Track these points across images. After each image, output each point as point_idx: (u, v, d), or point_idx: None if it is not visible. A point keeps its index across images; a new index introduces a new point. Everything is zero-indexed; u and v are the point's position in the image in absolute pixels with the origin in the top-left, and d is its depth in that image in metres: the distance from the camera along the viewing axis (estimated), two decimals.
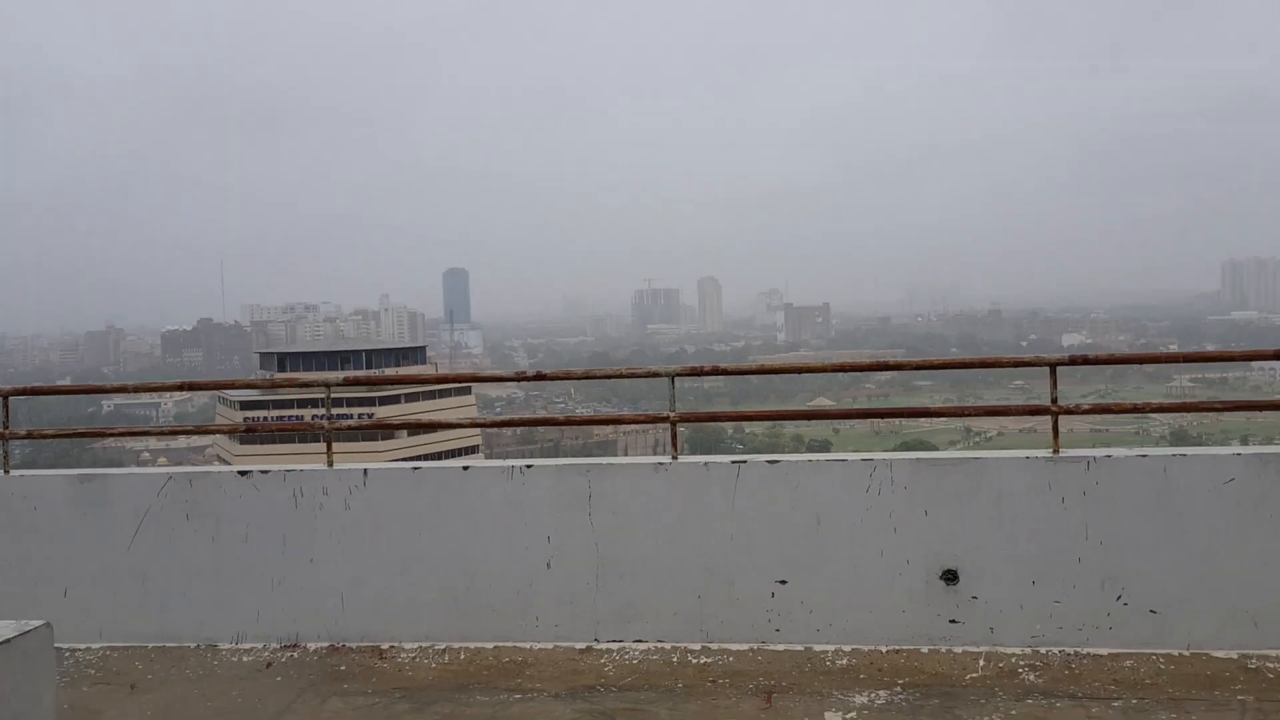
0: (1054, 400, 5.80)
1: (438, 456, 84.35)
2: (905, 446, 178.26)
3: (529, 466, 6.09)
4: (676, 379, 6.11)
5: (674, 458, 6.08)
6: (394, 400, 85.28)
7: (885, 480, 5.79)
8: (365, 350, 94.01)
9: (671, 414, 6.15)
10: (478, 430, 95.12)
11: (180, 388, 6.19)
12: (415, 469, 6.18)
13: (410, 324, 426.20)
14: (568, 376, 6.39)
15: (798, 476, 5.86)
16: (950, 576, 5.75)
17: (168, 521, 6.21)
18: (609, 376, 6.16)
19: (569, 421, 6.39)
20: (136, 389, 6.56)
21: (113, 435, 6.73)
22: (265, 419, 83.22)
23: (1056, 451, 5.78)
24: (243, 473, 6.20)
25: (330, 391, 6.30)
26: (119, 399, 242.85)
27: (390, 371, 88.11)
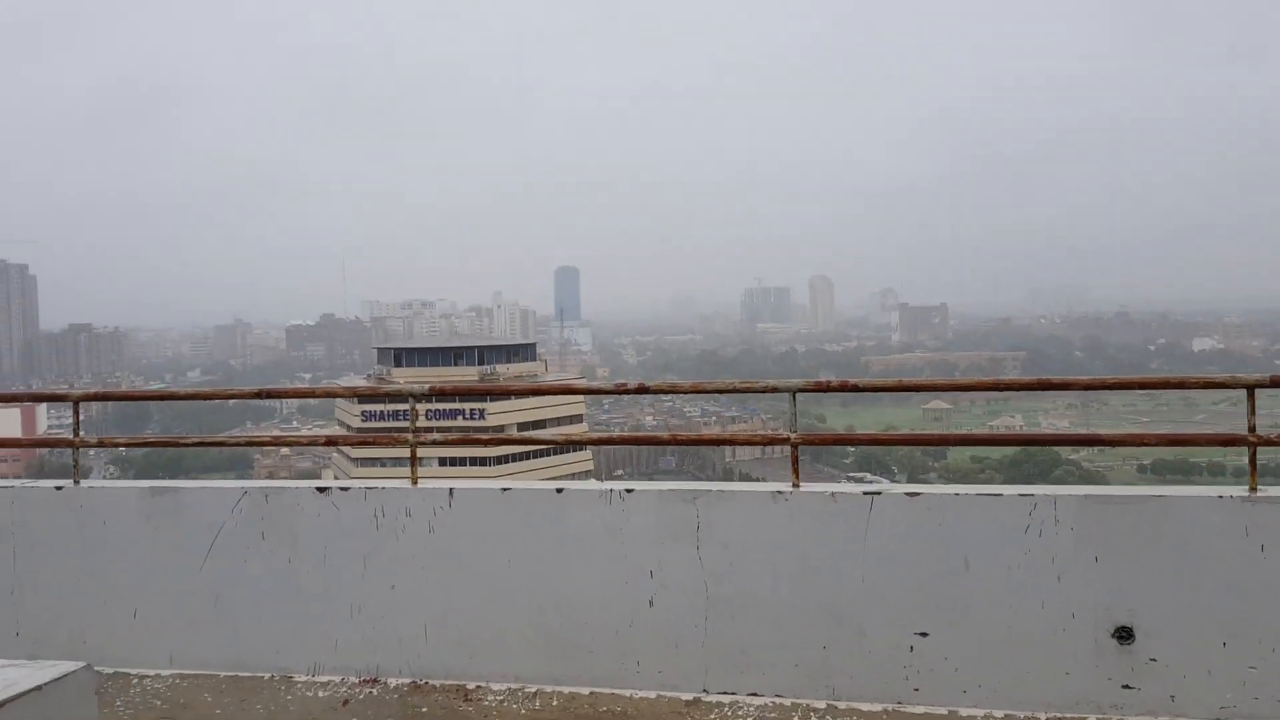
0: (1251, 429, 4.88)
1: (547, 453, 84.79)
2: (1025, 453, 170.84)
3: (630, 491, 5.41)
4: (798, 395, 5.37)
5: (795, 485, 5.39)
6: (504, 396, 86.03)
7: (1048, 519, 4.94)
8: (478, 346, 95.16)
9: (792, 435, 5.47)
10: (585, 425, 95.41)
11: (258, 395, 5.70)
12: (505, 490, 5.57)
13: (522, 321, 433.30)
14: (673, 390, 5.68)
15: (943, 512, 5.07)
16: (1124, 634, 4.88)
17: (242, 540, 5.74)
18: (720, 391, 5.46)
19: (678, 441, 5.67)
20: (209, 395, 6.09)
21: (185, 445, 6.27)
22: (382, 412, 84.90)
23: (1254, 489, 4.85)
24: (321, 489, 5.68)
25: (415, 403, 5.73)
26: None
27: (501, 368, 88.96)
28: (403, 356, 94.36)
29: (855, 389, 5.44)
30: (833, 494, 5.22)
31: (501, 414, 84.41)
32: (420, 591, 5.54)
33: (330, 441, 6.23)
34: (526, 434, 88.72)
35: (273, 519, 5.71)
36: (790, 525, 5.22)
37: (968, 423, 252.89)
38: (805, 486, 5.35)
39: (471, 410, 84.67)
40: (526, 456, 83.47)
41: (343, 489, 5.66)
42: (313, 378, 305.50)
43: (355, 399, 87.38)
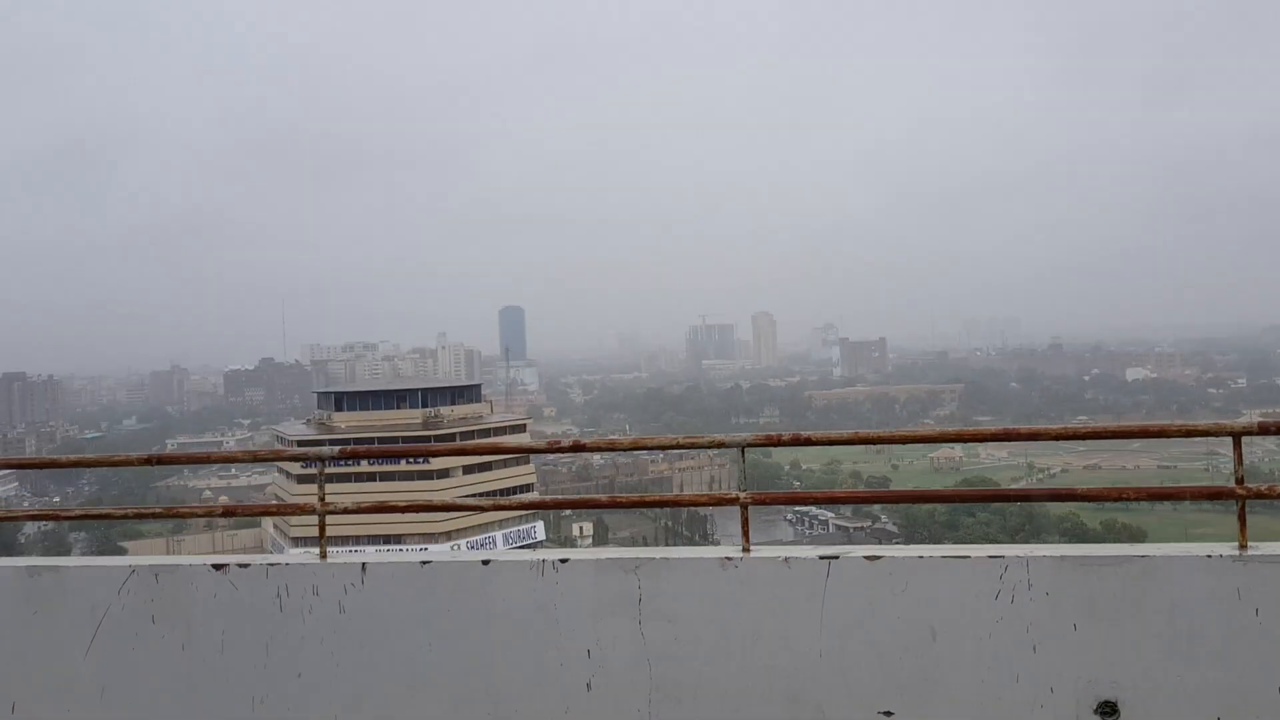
0: (1239, 480, 4.47)
1: (495, 494, 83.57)
2: (966, 483, 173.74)
3: (564, 561, 4.87)
4: (747, 450, 4.90)
5: (745, 550, 4.90)
6: (449, 439, 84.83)
7: (1021, 583, 4.50)
8: (421, 389, 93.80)
9: (742, 494, 5.01)
10: (532, 466, 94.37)
11: (148, 462, 5.09)
12: (424, 563, 4.98)
13: (467, 361, 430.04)
14: (612, 448, 5.16)
15: (905, 576, 4.60)
16: (1108, 709, 4.44)
17: (131, 623, 5.09)
18: (664, 448, 4.99)
19: (618, 504, 5.14)
20: (94, 462, 5.46)
21: (70, 518, 5.57)
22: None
23: (1244, 547, 4.45)
24: (217, 566, 5.06)
25: (323, 467, 5.14)
26: (183, 437, 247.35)
27: (445, 410, 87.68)
28: (344, 400, 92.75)
29: (808, 442, 4.93)
30: (786, 559, 4.75)
31: (446, 457, 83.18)
32: (330, 680, 4.93)
33: (228, 512, 5.58)
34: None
35: (164, 600, 5.08)
36: (741, 595, 4.72)
37: (909, 454, 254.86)
38: (756, 551, 4.88)
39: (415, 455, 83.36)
40: (475, 497, 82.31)
41: (241, 565, 5.05)
42: (251, 423, 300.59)
43: (295, 443, 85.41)
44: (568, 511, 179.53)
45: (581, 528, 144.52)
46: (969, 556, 4.59)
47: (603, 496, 4.93)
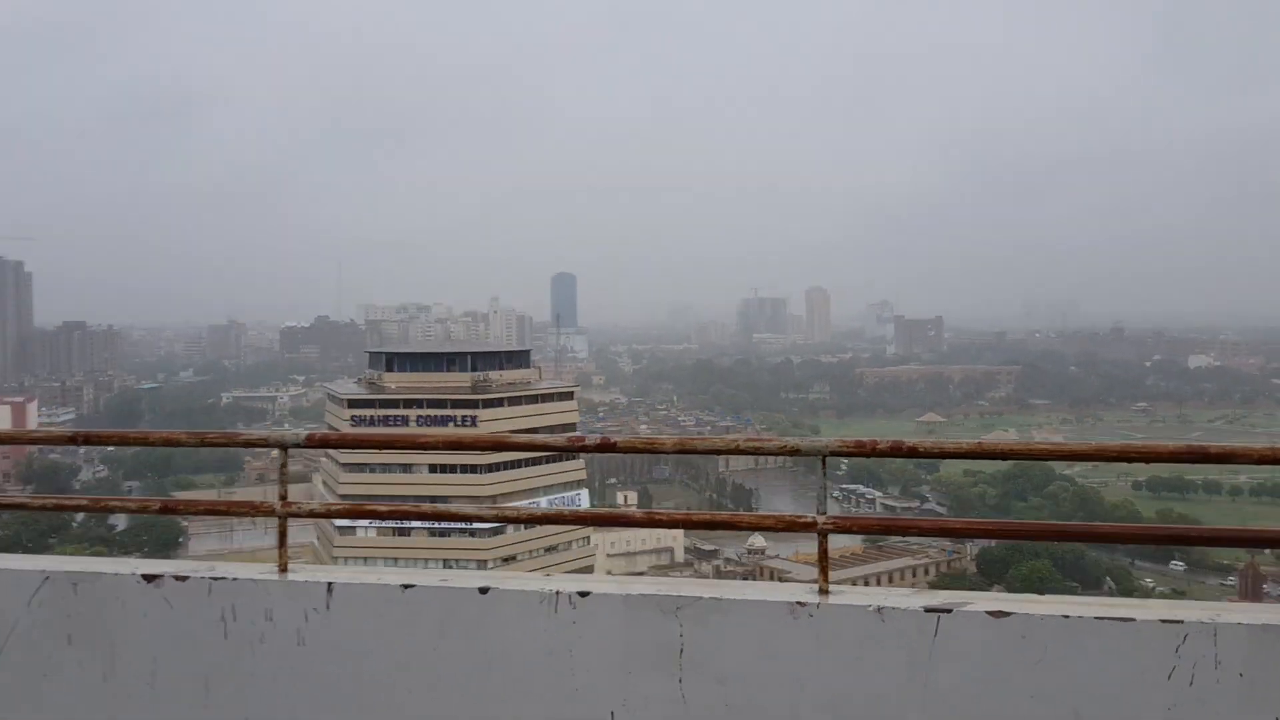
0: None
1: (539, 462, 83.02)
2: (1020, 467, 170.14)
3: (584, 595, 3.79)
4: (829, 459, 3.77)
5: (823, 591, 3.77)
6: (497, 404, 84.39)
7: (1205, 658, 3.33)
8: (470, 352, 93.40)
9: (820, 518, 3.85)
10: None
11: (72, 440, 4.08)
12: (406, 587, 3.90)
13: (518, 327, 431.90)
14: (650, 449, 3.98)
15: (1044, 640, 3.44)
16: None
17: (43, 644, 4.06)
18: (720, 452, 3.85)
19: (656, 523, 3.98)
20: (46, 440, 4.44)
21: (35, 508, 4.49)
22: (372, 417, 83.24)
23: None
24: (149, 577, 4.01)
25: (287, 454, 4.08)
26: (238, 391, 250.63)
27: (494, 375, 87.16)
28: (394, 361, 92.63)
29: (913, 453, 3.77)
30: (879, 608, 3.60)
31: (493, 421, 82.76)
32: None
33: (166, 509, 4.48)
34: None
35: (83, 617, 4.02)
36: (816, 653, 3.63)
37: (961, 434, 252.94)
38: (838, 593, 3.75)
39: (463, 417, 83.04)
40: (519, 464, 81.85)
41: (179, 578, 3.99)
42: (305, 379, 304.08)
43: (346, 404, 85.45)
44: (613, 479, 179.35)
45: (626, 496, 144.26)
46: (1134, 619, 3.44)
47: (638, 513, 3.82)
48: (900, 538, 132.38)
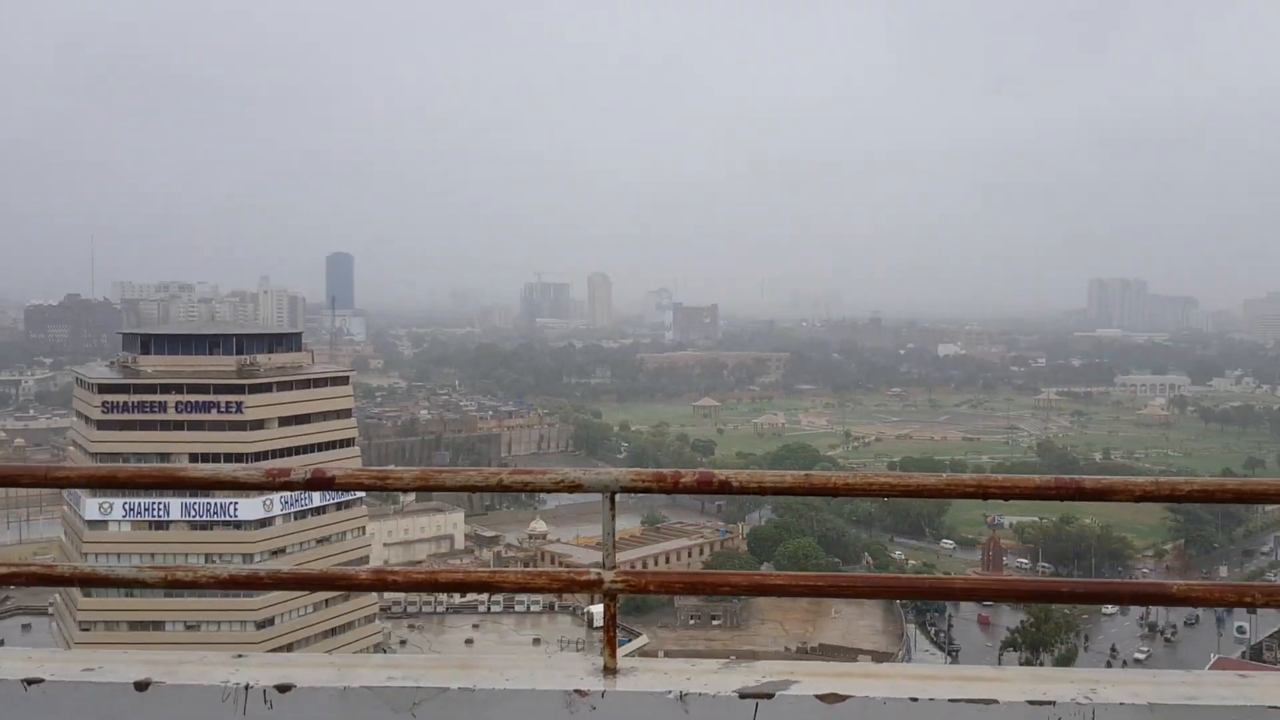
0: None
1: (311, 449, 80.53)
2: (787, 450, 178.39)
3: (284, 690, 2.89)
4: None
5: (609, 671, 2.97)
6: (265, 389, 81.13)
7: None
8: (236, 334, 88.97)
9: (608, 574, 3.04)
10: (354, 420, 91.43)
11: None
12: (30, 682, 2.90)
13: (290, 308, 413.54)
14: (383, 484, 3.16)
15: None
16: None
17: None
18: (466, 488, 3.16)
19: (374, 584, 3.18)
20: None
21: None
22: (125, 404, 78.27)
23: None
24: None
25: None
26: None
27: (262, 358, 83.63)
28: (151, 343, 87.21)
29: (724, 488, 3.06)
30: (681, 695, 2.82)
31: (261, 408, 79.55)
32: None
33: None
34: (300, 410, 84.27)
35: None
36: None
37: (735, 418, 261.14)
38: (629, 672, 2.96)
39: (227, 403, 79.40)
40: (289, 452, 79.06)
41: None
42: (54, 362, 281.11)
43: (96, 388, 79.88)
44: (391, 465, 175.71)
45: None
46: (996, 701, 2.81)
47: (365, 574, 3.16)
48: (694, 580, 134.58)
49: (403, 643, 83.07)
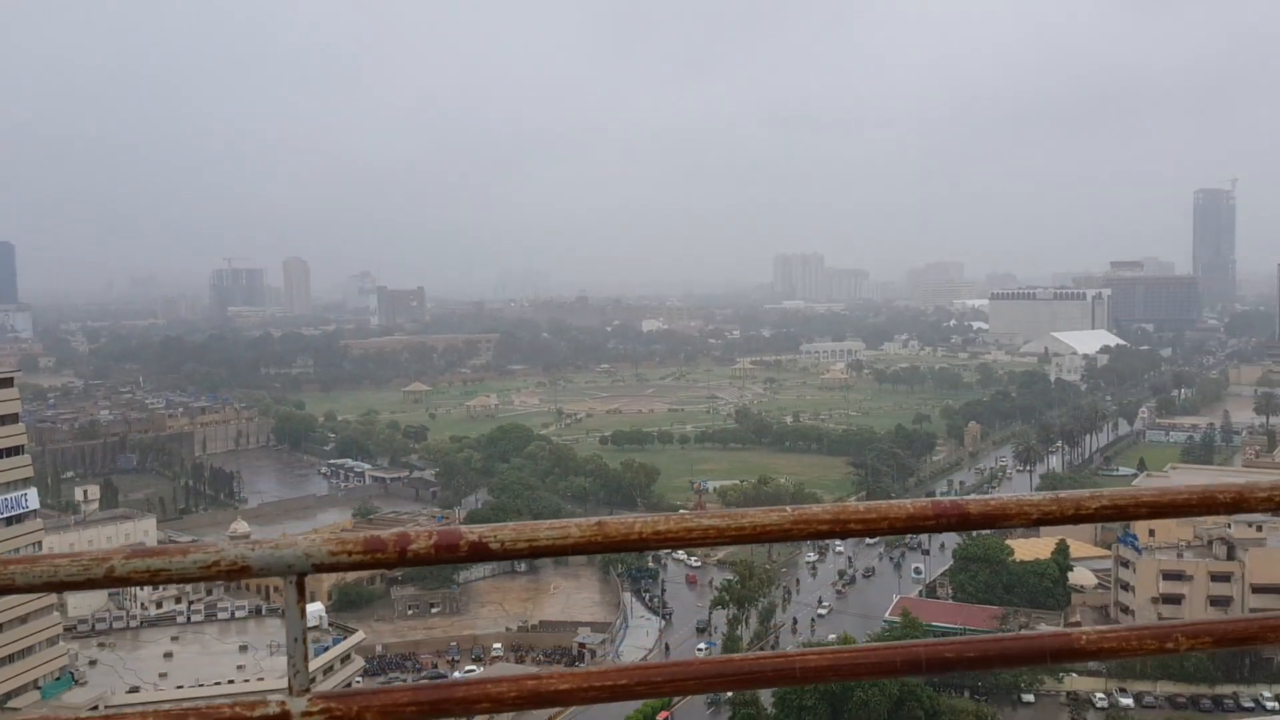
0: None
1: None
2: (501, 431, 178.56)
3: None
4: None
5: None
6: None
7: None
8: None
9: (293, 705, 2.23)
10: (22, 426, 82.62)
11: None
12: None
13: None
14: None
15: None
16: None
17: None
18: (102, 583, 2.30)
19: None
20: None
21: None
22: None
23: None
24: None
25: None
26: None
27: None
28: None
29: (486, 555, 2.42)
30: None
31: None
32: None
33: None
34: None
35: None
36: None
37: (446, 403, 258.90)
38: None
39: None
40: None
41: None
42: None
43: None
44: (70, 472, 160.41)
45: (87, 491, 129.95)
46: None
47: None
48: (347, 460, 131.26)
49: (92, 663, 76.34)
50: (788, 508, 2.47)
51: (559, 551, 2.41)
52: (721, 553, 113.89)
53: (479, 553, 2.33)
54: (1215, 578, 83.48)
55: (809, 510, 2.45)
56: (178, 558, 2.31)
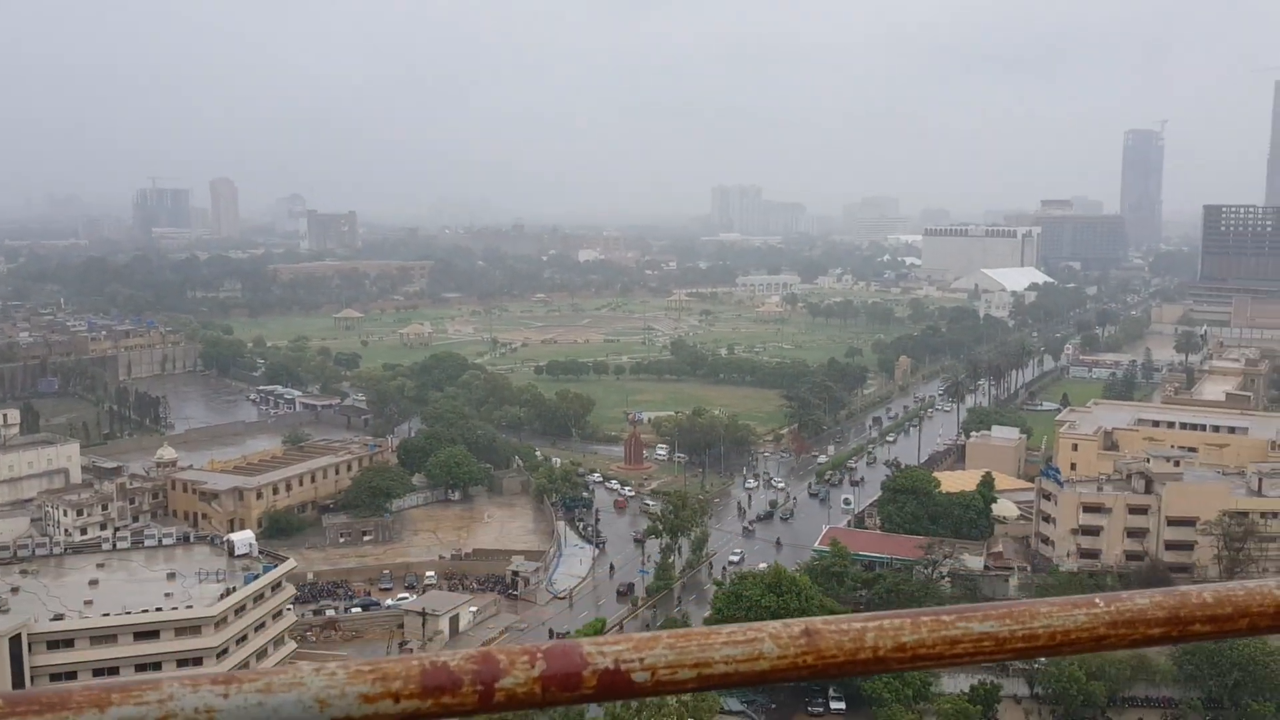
0: None
1: None
2: (435, 359, 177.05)
3: None
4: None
5: None
6: None
7: None
8: None
9: None
10: None
11: None
12: None
13: None
14: None
15: None
16: None
17: None
18: None
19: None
20: None
21: None
22: None
23: None
24: None
25: None
26: None
27: None
28: None
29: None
30: None
31: None
32: None
33: None
34: None
35: None
36: None
37: (379, 330, 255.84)
38: None
39: None
40: None
41: None
42: None
43: None
44: None
45: (6, 415, 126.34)
46: None
47: None
48: (277, 386, 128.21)
49: (15, 591, 74.74)
50: (1097, 599, 1.59)
51: (746, 681, 1.75)
52: (655, 483, 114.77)
53: (616, 688, 1.66)
54: (1133, 510, 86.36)
55: (1131, 605, 1.57)
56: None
